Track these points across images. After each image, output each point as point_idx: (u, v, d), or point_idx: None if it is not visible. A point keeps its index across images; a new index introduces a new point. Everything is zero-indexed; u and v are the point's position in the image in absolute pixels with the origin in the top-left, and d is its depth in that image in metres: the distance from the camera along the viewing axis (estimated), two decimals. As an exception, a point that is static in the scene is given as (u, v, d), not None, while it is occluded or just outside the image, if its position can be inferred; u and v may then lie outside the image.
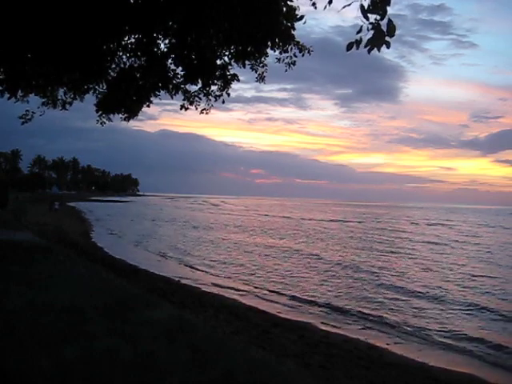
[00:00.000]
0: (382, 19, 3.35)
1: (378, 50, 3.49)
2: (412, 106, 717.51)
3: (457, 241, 36.16)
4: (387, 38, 3.41)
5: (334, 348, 9.04)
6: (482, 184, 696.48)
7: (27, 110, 10.62)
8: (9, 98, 9.83)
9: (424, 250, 29.17)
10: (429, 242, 34.23)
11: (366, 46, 3.44)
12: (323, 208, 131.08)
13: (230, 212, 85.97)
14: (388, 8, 3.35)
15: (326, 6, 3.58)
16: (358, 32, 3.40)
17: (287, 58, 10.10)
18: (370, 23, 3.36)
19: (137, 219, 53.62)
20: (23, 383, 2.83)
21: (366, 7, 3.32)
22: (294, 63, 10.20)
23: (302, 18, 9.18)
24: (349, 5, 3.35)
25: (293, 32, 9.65)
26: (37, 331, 3.68)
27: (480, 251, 29.55)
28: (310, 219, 66.05)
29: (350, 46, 3.50)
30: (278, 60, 10.18)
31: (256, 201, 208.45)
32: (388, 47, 3.48)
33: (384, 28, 3.35)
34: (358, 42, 3.44)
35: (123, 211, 73.48)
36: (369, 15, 3.34)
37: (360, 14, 3.34)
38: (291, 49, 9.96)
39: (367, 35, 3.40)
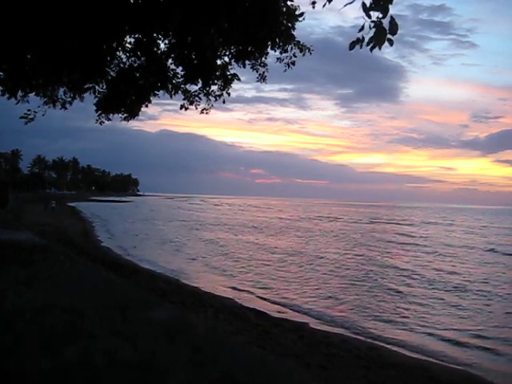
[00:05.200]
0: (384, 17, 3.33)
1: (380, 48, 3.47)
2: (412, 106, 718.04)
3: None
4: (389, 36, 3.38)
5: (333, 348, 9.04)
6: (482, 184, 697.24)
7: (29, 110, 10.58)
8: (8, 98, 9.81)
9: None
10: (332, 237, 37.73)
11: (368, 45, 3.42)
12: (306, 208, 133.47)
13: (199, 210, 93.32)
14: (390, 7, 3.34)
15: (325, 4, 3.57)
16: (360, 30, 3.39)
17: (287, 57, 10.08)
18: (372, 21, 3.35)
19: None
20: (23, 383, 2.82)
21: (368, 5, 3.31)
22: (293, 63, 10.17)
23: (301, 15, 9.19)
24: (351, 2, 3.34)
25: (293, 32, 9.64)
26: (36, 331, 3.68)
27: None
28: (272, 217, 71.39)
29: (352, 45, 3.48)
30: (279, 60, 10.17)
31: (246, 201, 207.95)
32: (391, 45, 3.46)
33: (386, 26, 3.33)
34: (361, 41, 3.42)
35: (121, 211, 76.72)
36: (371, 13, 3.33)
37: (362, 13, 3.33)
38: (291, 48, 9.95)
39: (369, 33, 3.38)
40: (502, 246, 34.40)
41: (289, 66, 10.19)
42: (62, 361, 3.09)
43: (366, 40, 3.42)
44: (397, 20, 3.44)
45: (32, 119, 10.68)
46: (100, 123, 11.61)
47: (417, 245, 33.61)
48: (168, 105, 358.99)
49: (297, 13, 9.29)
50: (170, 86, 10.86)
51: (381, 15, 3.34)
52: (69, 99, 11.29)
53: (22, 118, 10.57)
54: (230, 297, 14.37)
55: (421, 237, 40.99)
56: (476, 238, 41.53)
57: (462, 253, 29.10)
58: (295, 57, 10.05)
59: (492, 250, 30.95)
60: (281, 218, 67.85)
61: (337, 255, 25.92)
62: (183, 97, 11.26)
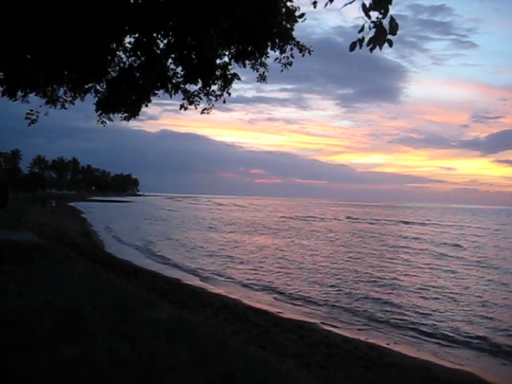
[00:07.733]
0: (383, 17, 3.33)
1: (380, 49, 3.47)
2: (412, 106, 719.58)
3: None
4: (389, 36, 3.39)
5: (334, 348, 9.03)
6: (482, 184, 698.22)
7: (31, 110, 10.56)
8: (9, 98, 9.81)
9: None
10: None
11: (368, 45, 3.42)
12: (295, 208, 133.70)
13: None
14: (389, 7, 3.34)
15: (326, 4, 3.56)
16: (360, 31, 3.39)
17: (284, 58, 10.10)
18: (372, 22, 3.35)
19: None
20: (23, 383, 2.82)
21: (367, 6, 3.31)
22: (290, 64, 10.20)
23: (302, 15, 9.21)
24: (350, 2, 3.34)
25: (292, 32, 9.65)
26: (37, 331, 3.67)
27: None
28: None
29: (353, 46, 3.48)
30: (277, 60, 10.19)
31: (235, 201, 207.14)
32: (390, 45, 3.46)
33: (386, 26, 3.34)
34: (361, 41, 3.42)
35: (119, 210, 78.33)
36: (370, 14, 3.33)
37: (362, 13, 3.33)
38: (291, 49, 9.97)
39: (369, 34, 3.38)
40: (452, 247, 32.80)
41: (285, 67, 10.22)
42: (62, 361, 3.09)
43: (366, 40, 3.42)
44: (397, 20, 3.44)
45: (35, 120, 10.68)
46: (102, 123, 11.61)
47: (362, 245, 32.54)
48: (168, 105, 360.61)
49: (297, 14, 9.30)
50: (170, 86, 10.86)
51: (380, 16, 3.34)
52: (69, 99, 11.29)
53: (26, 118, 10.57)
54: (236, 297, 14.35)
55: (378, 236, 40.16)
56: (436, 239, 39.35)
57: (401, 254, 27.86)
58: (292, 57, 10.08)
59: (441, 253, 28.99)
60: (254, 217, 69.30)
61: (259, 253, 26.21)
62: (183, 96, 11.27)
